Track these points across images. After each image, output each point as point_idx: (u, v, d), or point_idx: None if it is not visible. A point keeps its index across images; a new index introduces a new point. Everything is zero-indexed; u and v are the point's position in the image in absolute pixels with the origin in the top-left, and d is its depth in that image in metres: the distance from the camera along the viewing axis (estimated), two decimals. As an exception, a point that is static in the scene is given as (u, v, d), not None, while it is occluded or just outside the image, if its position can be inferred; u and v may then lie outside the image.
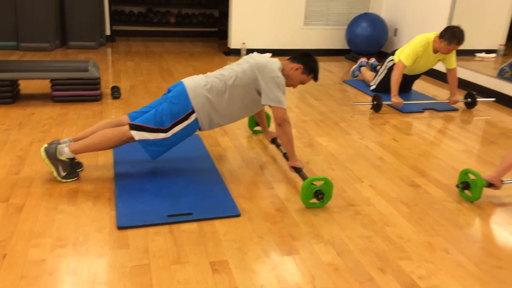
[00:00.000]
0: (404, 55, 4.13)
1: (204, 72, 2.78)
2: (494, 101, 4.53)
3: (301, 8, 6.25)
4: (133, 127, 2.46)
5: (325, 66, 5.82)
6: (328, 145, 3.25)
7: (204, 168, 2.76)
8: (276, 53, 6.26)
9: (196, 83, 2.52)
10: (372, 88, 4.67)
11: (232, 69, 2.57)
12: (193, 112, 2.48)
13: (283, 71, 2.58)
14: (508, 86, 4.52)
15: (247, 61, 2.58)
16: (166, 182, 2.53)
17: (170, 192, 2.43)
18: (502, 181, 2.52)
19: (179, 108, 2.47)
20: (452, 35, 3.91)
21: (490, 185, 2.49)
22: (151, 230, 2.10)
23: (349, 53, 6.46)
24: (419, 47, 4.07)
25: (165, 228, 2.12)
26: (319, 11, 6.37)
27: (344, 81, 5.13)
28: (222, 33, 7.12)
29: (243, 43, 6.09)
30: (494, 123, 3.96)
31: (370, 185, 2.68)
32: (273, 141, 3.07)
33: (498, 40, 5.49)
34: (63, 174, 2.47)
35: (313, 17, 6.36)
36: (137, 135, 2.45)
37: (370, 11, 6.47)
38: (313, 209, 2.37)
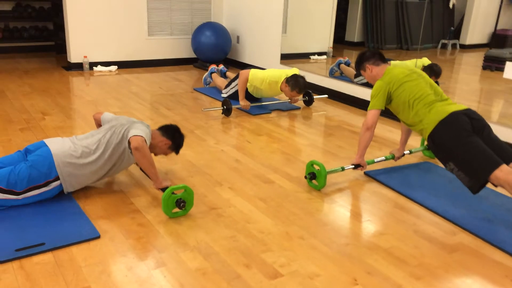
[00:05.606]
0: (254, 78, 4.34)
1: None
2: (328, 97, 5.07)
3: (143, 19, 6.17)
4: None
5: (174, 76, 5.83)
6: (185, 153, 3.28)
7: (54, 193, 2.55)
8: (121, 65, 6.10)
9: (64, 151, 2.40)
10: (224, 96, 4.83)
11: (101, 135, 2.53)
12: (56, 179, 2.38)
13: (153, 139, 2.63)
14: (338, 83, 5.11)
15: (121, 123, 2.57)
16: (8, 213, 2.28)
17: (14, 223, 2.20)
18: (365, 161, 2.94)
19: (40, 175, 2.34)
20: (295, 83, 4.20)
21: (357, 166, 2.90)
22: (-3, 269, 1.88)
23: (197, 61, 6.58)
24: (267, 82, 4.31)
25: (15, 264, 1.91)
26: (162, 21, 6.36)
27: (195, 89, 5.22)
28: (59, 47, 6.66)
29: (85, 57, 5.77)
30: (330, 117, 4.43)
31: (229, 187, 2.78)
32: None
33: (327, 43, 6.17)
34: None
35: (156, 27, 6.33)
36: None
37: (212, 20, 6.69)
38: (176, 218, 2.37)
